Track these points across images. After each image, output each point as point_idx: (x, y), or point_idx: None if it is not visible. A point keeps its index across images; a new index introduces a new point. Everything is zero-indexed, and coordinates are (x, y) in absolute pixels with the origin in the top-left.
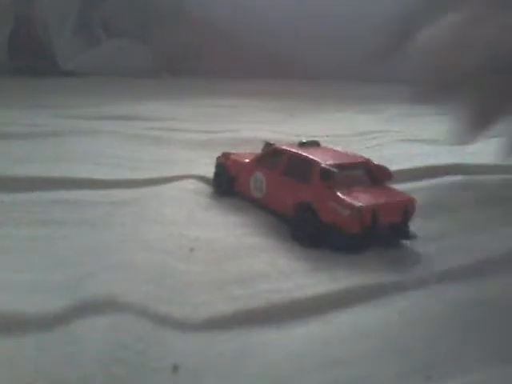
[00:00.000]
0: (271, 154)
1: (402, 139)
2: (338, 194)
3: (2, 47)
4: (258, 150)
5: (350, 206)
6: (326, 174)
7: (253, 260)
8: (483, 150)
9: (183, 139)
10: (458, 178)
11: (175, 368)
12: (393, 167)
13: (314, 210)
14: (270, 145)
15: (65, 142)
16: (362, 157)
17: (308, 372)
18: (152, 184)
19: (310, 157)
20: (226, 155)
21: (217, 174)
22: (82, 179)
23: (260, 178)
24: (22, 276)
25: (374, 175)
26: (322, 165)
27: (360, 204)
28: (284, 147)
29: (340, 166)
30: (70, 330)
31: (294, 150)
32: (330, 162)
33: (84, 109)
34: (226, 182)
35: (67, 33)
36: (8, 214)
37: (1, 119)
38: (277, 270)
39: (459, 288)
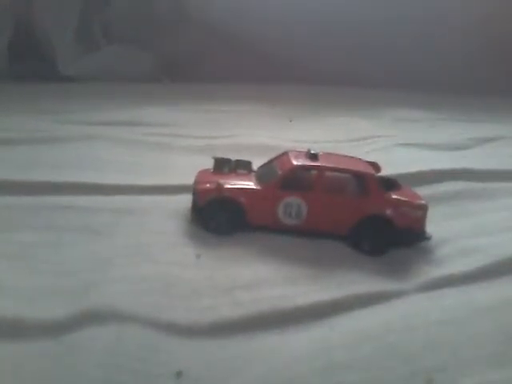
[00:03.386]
0: (293, 174)
1: (402, 143)
2: (402, 198)
3: (1, 53)
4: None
5: (420, 207)
6: (388, 183)
7: (258, 266)
8: (484, 156)
9: (184, 145)
10: (465, 182)
11: (179, 374)
12: (397, 171)
13: (389, 219)
14: (223, 160)
15: (66, 147)
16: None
17: (311, 376)
18: (154, 191)
19: (356, 169)
20: (219, 186)
21: (214, 211)
22: (83, 184)
23: (295, 203)
24: (24, 282)
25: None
26: (377, 175)
27: (424, 202)
28: (307, 164)
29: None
30: (73, 338)
31: (325, 166)
32: (371, 170)
33: (85, 114)
34: (239, 217)
35: (68, 38)
36: (11, 219)
37: (1, 125)
38: (282, 276)
39: (460, 293)
